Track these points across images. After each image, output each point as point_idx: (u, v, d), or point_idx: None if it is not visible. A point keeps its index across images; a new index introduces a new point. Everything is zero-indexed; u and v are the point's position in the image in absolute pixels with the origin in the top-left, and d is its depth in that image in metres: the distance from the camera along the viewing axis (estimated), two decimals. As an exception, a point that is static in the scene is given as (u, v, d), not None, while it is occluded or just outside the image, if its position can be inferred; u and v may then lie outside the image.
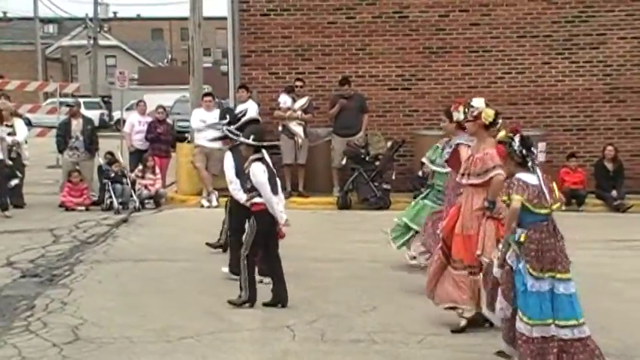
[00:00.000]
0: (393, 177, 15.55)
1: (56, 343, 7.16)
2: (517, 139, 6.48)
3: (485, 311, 7.08)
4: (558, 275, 6.29)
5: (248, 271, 8.27)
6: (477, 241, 7.31)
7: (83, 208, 14.85)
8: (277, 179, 8.50)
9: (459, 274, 7.52)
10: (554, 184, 6.59)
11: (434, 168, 9.75)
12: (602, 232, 13.15)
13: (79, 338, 7.31)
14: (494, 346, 7.03)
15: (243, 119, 9.40)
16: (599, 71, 16.86)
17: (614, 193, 15.45)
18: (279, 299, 8.32)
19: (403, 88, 16.98)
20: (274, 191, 8.32)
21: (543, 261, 6.29)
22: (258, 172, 8.26)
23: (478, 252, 7.24)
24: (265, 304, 8.29)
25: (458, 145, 8.22)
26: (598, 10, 16.79)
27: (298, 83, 16.07)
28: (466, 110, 7.63)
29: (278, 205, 8.36)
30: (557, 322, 6.25)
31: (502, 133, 6.70)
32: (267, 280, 8.66)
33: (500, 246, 6.59)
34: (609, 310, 8.20)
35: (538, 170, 6.46)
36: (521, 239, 6.33)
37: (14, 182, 14.60)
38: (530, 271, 6.28)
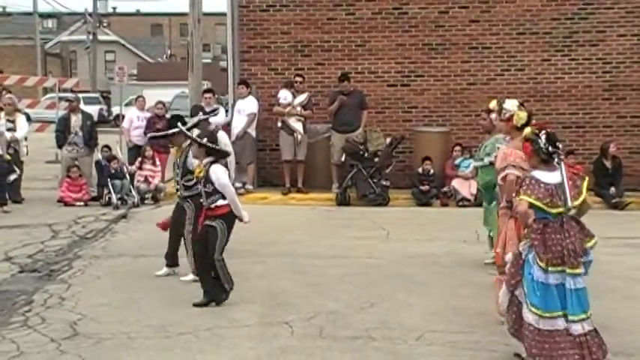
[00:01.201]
0: (387, 171, 15.51)
1: (54, 338, 7.15)
2: (543, 136, 6.45)
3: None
4: (568, 270, 6.31)
5: (226, 269, 8.28)
6: (502, 239, 7.32)
7: (82, 203, 14.84)
8: None
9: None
10: (584, 182, 6.53)
11: (476, 163, 9.62)
12: (601, 229, 13.00)
13: (77, 333, 7.30)
14: (493, 343, 7.05)
15: (194, 120, 9.41)
16: (598, 68, 16.87)
17: (612, 190, 15.45)
18: (215, 298, 8.27)
19: (402, 85, 16.98)
20: None
21: (549, 254, 6.29)
22: (222, 175, 8.21)
23: (498, 249, 7.24)
24: (196, 305, 8.18)
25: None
26: (598, 7, 16.78)
27: (298, 79, 16.05)
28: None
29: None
30: (570, 317, 6.27)
31: (528, 130, 6.64)
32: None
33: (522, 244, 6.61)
34: (608, 307, 8.19)
35: (563, 167, 6.43)
36: (525, 232, 6.38)
37: (13, 177, 14.58)
38: (538, 261, 6.30)
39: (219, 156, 8.49)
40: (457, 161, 15.72)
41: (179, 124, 9.08)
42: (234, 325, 7.62)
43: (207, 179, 8.20)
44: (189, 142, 9.00)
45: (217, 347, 6.99)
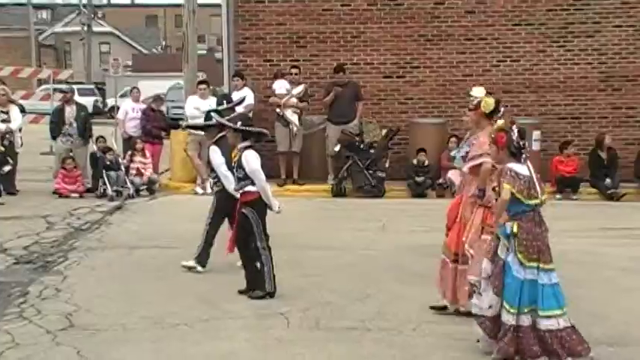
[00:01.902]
0: (387, 164, 15.54)
1: (50, 329, 7.14)
2: (515, 129, 6.48)
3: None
4: (541, 265, 6.30)
5: (271, 264, 8.19)
6: (469, 228, 7.32)
7: (77, 195, 14.82)
8: None
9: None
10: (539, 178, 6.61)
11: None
12: (597, 220, 13.16)
13: (72, 325, 7.29)
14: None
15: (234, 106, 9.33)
16: (594, 59, 16.86)
17: (608, 181, 15.47)
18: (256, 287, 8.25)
19: (398, 76, 16.95)
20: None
21: (530, 249, 6.30)
22: (253, 160, 8.14)
23: (464, 238, 7.24)
24: (241, 292, 8.23)
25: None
26: (593, -3, 16.79)
27: (294, 71, 16.02)
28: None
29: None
30: (540, 312, 6.26)
31: (502, 122, 6.67)
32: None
33: (489, 238, 6.60)
34: (603, 298, 8.22)
35: (528, 162, 6.48)
36: (514, 230, 6.33)
37: (7, 169, 14.56)
38: (521, 258, 6.29)
39: (256, 138, 8.46)
40: (453, 153, 15.68)
41: (215, 114, 9.02)
42: (230, 316, 7.61)
43: (240, 164, 8.14)
44: (218, 136, 8.96)
45: (213, 338, 6.98)
